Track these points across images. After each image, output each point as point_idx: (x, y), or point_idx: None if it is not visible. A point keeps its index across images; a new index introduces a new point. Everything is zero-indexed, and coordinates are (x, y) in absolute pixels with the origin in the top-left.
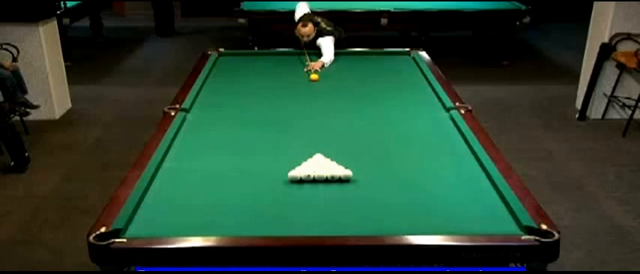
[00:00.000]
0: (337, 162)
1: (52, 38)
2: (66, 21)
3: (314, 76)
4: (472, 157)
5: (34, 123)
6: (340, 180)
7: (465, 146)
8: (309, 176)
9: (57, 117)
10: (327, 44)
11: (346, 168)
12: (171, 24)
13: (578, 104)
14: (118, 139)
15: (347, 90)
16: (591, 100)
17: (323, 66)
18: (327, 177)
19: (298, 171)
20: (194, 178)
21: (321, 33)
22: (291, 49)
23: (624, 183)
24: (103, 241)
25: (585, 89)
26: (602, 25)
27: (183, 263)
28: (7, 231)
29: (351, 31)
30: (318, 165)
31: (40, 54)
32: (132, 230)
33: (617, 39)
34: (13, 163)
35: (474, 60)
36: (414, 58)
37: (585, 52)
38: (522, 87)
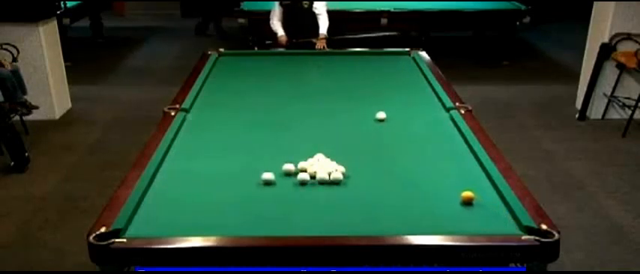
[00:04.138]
0: (337, 162)
1: (52, 38)
2: (66, 21)
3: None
4: (472, 157)
5: (34, 123)
6: (340, 180)
7: (465, 146)
8: (309, 176)
9: (57, 117)
10: (322, 6)
11: (346, 168)
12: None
13: (578, 104)
14: (118, 139)
15: (347, 91)
16: (591, 100)
17: (326, 37)
18: (327, 177)
19: (300, 173)
20: (194, 178)
21: None
22: (290, 49)
23: (624, 183)
24: (103, 241)
25: (585, 89)
26: (602, 25)
27: (183, 263)
28: (7, 231)
29: (351, 31)
30: (319, 165)
31: (40, 54)
32: (132, 230)
33: (617, 39)
34: (13, 163)
35: (474, 60)
36: (414, 58)
37: (585, 52)
38: (522, 87)
